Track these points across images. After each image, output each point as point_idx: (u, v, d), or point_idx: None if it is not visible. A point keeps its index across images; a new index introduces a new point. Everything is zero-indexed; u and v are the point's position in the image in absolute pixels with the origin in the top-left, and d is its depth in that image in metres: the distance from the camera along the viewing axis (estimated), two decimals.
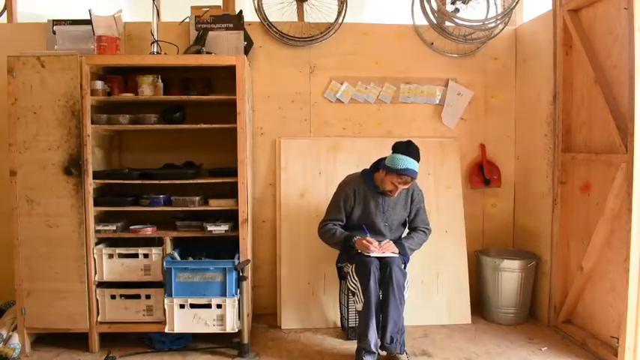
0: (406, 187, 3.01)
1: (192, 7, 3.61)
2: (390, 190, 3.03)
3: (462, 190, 3.84)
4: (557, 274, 3.43)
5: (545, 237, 3.58)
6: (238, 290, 3.07)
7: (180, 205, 3.20)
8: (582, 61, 3.19)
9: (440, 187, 3.77)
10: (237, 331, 3.08)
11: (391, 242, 3.08)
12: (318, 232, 3.18)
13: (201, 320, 3.05)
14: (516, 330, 3.50)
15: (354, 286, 3.00)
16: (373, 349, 2.87)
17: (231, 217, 3.26)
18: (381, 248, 3.02)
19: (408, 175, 2.93)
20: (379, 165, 3.09)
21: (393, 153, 3.00)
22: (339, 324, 3.52)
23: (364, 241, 2.98)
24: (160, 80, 3.22)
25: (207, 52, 3.35)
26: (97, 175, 3.12)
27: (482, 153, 3.97)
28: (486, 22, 3.69)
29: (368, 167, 3.19)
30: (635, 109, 2.72)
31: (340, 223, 3.15)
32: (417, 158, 2.97)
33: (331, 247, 3.19)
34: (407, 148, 2.98)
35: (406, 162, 2.92)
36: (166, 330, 3.05)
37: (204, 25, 3.53)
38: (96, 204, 3.10)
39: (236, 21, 3.58)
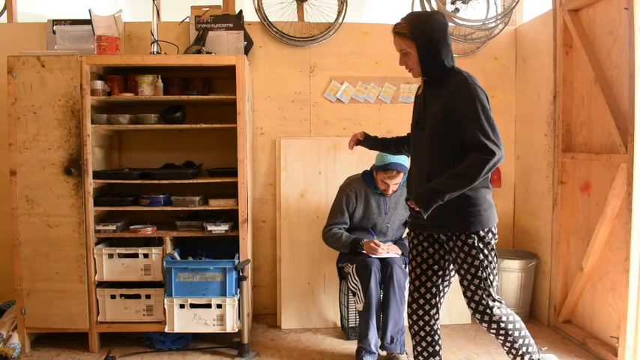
0: (395, 182, 3.01)
1: (192, 7, 3.61)
2: (384, 189, 3.04)
3: None
4: (557, 274, 3.43)
5: (545, 237, 3.59)
6: (238, 290, 3.08)
7: (180, 205, 3.20)
8: (582, 61, 3.19)
9: None
10: (237, 331, 3.08)
11: (393, 244, 3.09)
12: (323, 237, 3.18)
13: (201, 320, 3.05)
14: None
15: (354, 286, 3.00)
16: (373, 349, 2.87)
17: (231, 217, 3.26)
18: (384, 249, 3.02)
19: (392, 168, 2.94)
20: None
21: (379, 151, 3.01)
22: (339, 324, 3.53)
23: (372, 244, 2.98)
24: (159, 80, 3.22)
25: (207, 52, 3.35)
26: (97, 175, 3.12)
27: None
28: (486, 22, 3.69)
29: (368, 168, 3.19)
30: (635, 109, 2.72)
31: (344, 226, 3.15)
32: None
33: (336, 250, 3.20)
34: None
35: (390, 157, 2.93)
36: (166, 330, 3.05)
37: (204, 25, 3.53)
38: (96, 204, 3.10)
39: (236, 21, 3.57)
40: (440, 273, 2.37)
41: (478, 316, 2.27)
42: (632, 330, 2.79)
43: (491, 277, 2.25)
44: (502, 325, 2.24)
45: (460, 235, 2.24)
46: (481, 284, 2.23)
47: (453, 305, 3.62)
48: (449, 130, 2.17)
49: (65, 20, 3.49)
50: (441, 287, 2.39)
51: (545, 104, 3.60)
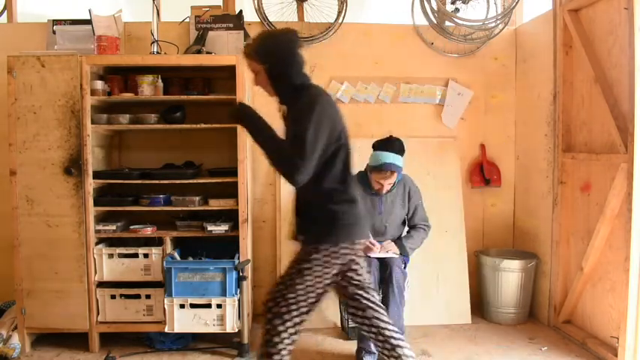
0: (390, 181, 3.01)
1: (192, 7, 3.61)
2: (378, 189, 3.05)
3: (462, 190, 3.84)
4: (557, 274, 3.43)
5: (545, 237, 3.59)
6: (238, 290, 3.07)
7: (180, 205, 3.20)
8: (582, 61, 3.19)
9: (440, 187, 3.77)
10: (237, 331, 3.08)
11: (392, 242, 3.09)
12: None
13: (201, 320, 3.05)
14: (516, 330, 3.50)
15: None
16: (373, 349, 2.87)
17: (231, 217, 3.26)
18: (382, 248, 3.02)
19: (386, 169, 2.95)
20: None
21: (373, 151, 3.01)
22: (339, 324, 3.52)
23: (367, 243, 2.98)
24: (159, 80, 3.22)
25: (207, 52, 3.35)
26: (97, 175, 3.12)
27: (482, 153, 3.97)
28: (486, 22, 3.69)
29: (363, 169, 3.20)
30: (635, 109, 2.72)
31: None
32: (398, 152, 2.97)
33: None
34: (385, 143, 3.00)
35: (384, 157, 2.94)
36: (166, 330, 3.05)
37: (204, 25, 3.53)
38: (96, 204, 3.10)
39: (236, 21, 3.57)
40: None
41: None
42: (632, 330, 2.79)
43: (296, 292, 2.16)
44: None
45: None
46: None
47: (453, 305, 3.62)
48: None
49: (65, 20, 3.49)
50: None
51: (545, 104, 3.60)
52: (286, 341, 2.18)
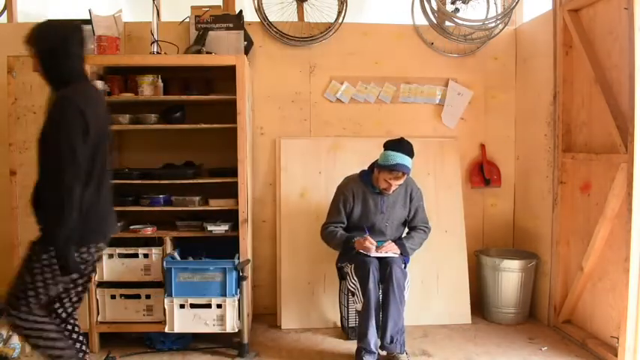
0: (399, 182, 3.02)
1: (192, 7, 3.61)
2: (384, 188, 3.05)
3: (462, 190, 3.84)
4: (557, 274, 3.43)
5: (545, 237, 3.59)
6: (238, 290, 3.07)
7: (180, 205, 3.20)
8: (582, 61, 3.19)
9: (440, 187, 3.77)
10: (237, 331, 3.08)
11: (393, 243, 3.09)
12: (321, 235, 3.19)
13: (201, 320, 3.05)
14: (516, 330, 3.50)
15: (353, 286, 3.00)
16: (373, 349, 2.87)
17: (231, 217, 3.26)
18: (382, 248, 3.02)
19: (398, 170, 2.94)
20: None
21: (384, 150, 3.01)
22: (339, 324, 3.52)
23: (364, 243, 2.98)
24: (159, 80, 3.21)
25: (207, 52, 3.35)
26: None
27: (482, 153, 3.97)
28: (486, 22, 3.69)
29: (366, 168, 3.20)
30: (635, 109, 2.72)
31: (342, 225, 3.16)
32: (409, 154, 2.97)
33: (333, 249, 3.20)
34: (397, 144, 3.00)
35: (397, 157, 2.93)
36: (166, 330, 3.05)
37: (204, 25, 3.53)
38: None
39: (236, 21, 3.57)
40: None
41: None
42: (632, 330, 2.79)
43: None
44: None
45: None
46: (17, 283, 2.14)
47: (453, 305, 3.62)
48: (41, 143, 2.10)
49: None
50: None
51: (545, 104, 3.60)
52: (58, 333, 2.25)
